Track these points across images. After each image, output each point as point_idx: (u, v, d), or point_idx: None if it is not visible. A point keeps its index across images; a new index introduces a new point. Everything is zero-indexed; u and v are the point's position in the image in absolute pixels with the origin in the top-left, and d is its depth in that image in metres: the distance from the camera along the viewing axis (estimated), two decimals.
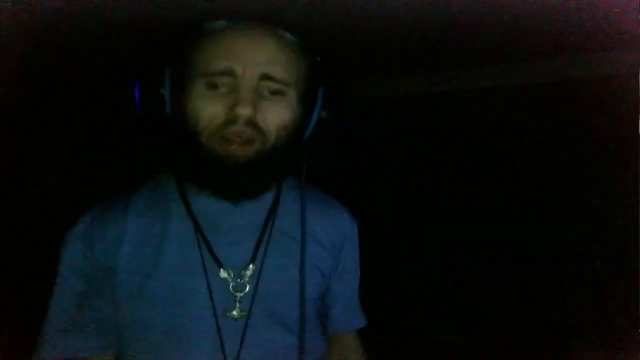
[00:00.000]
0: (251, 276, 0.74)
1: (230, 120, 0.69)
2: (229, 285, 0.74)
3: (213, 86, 0.70)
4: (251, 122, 0.69)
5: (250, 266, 0.75)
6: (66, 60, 1.89)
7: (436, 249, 2.39)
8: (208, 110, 0.69)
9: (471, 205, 2.37)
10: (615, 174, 2.01)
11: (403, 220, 2.43)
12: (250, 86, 0.69)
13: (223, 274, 0.73)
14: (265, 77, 0.70)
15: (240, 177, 0.71)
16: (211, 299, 0.72)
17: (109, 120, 2.01)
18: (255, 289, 0.74)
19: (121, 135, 1.95)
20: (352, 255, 0.90)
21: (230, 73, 0.69)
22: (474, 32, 2.02)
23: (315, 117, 0.75)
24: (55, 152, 2.16)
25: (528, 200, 2.30)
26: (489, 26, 1.95)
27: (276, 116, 0.71)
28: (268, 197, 0.80)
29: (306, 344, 0.75)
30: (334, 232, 0.85)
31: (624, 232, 1.85)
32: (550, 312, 2.19)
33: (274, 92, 0.71)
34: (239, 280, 0.74)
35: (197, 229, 0.74)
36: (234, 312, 0.73)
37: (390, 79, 2.49)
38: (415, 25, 1.92)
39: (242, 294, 0.73)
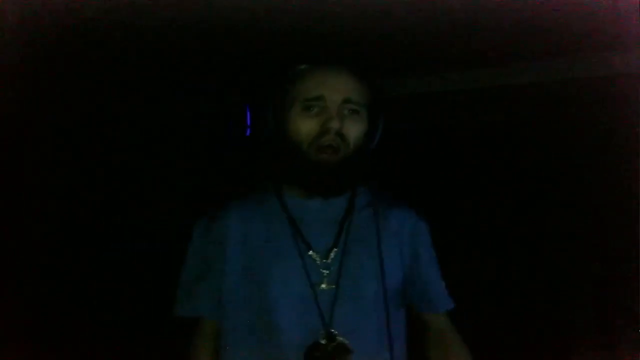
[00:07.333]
0: (334, 258, 0.97)
1: (324, 132, 0.93)
2: (317, 264, 0.96)
3: (307, 108, 0.95)
4: (339, 134, 0.93)
5: (334, 249, 0.97)
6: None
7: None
8: (306, 126, 0.95)
9: (471, 203, 2.37)
10: (615, 174, 2.01)
11: None
12: (336, 107, 0.94)
13: (313, 255, 0.96)
14: (346, 100, 0.95)
15: (330, 177, 0.95)
16: (305, 273, 0.94)
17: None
18: (338, 268, 0.96)
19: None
20: (427, 247, 1.07)
21: (321, 98, 0.94)
22: (474, 33, 2.03)
23: (380, 131, 1.00)
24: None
25: (527, 200, 2.30)
26: (489, 27, 1.95)
27: (354, 129, 0.96)
28: (344, 199, 1.02)
29: (383, 317, 0.95)
30: (407, 224, 1.05)
31: (624, 232, 1.85)
32: (550, 312, 2.19)
33: (352, 112, 0.96)
34: (325, 260, 0.96)
35: (291, 221, 0.98)
36: (323, 285, 0.95)
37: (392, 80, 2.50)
38: (416, 27, 1.93)
39: (328, 271, 0.96)
